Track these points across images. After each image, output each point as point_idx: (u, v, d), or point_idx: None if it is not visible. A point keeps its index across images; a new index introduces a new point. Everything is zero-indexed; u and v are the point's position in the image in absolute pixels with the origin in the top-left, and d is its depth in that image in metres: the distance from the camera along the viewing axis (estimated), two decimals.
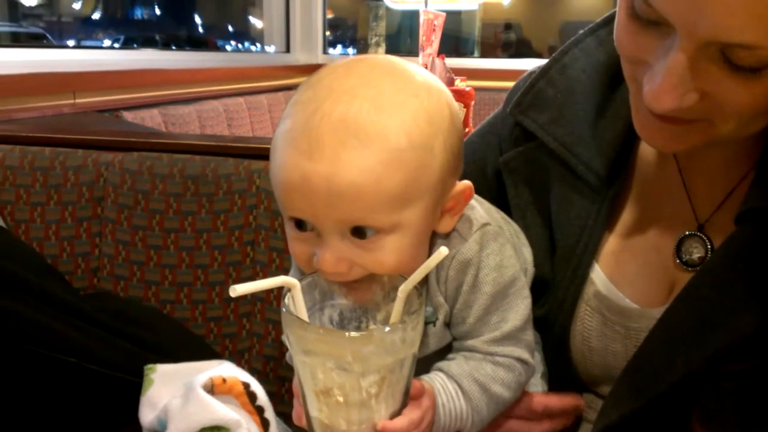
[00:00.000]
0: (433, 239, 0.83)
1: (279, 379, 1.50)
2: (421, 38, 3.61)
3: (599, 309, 0.98)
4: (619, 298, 0.97)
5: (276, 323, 1.49)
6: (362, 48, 8.53)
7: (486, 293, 0.83)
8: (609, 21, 0.98)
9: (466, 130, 2.14)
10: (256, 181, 1.49)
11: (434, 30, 3.64)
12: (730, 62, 0.70)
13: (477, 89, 2.57)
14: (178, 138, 1.65)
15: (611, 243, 1.00)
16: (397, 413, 0.72)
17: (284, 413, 1.02)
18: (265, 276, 1.49)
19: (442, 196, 0.78)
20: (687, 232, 0.95)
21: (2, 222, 1.51)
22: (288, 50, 4.16)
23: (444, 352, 0.88)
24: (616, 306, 0.97)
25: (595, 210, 0.98)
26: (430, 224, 0.79)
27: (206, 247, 1.50)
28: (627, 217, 1.00)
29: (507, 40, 8.27)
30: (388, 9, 8.33)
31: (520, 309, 0.86)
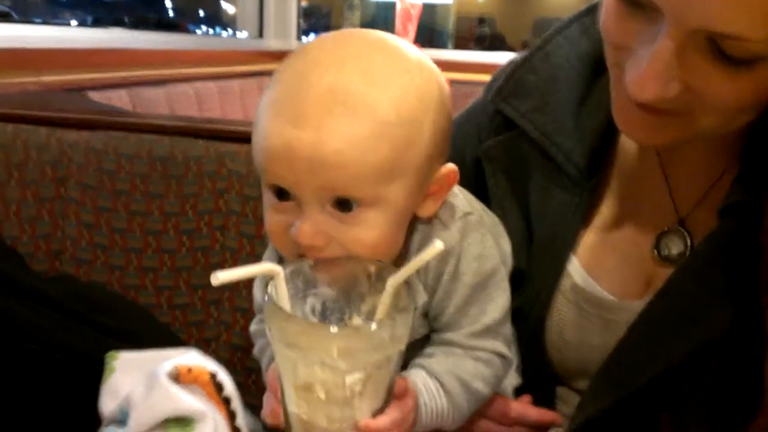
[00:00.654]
0: (413, 225, 0.81)
1: (246, 370, 1.46)
2: (398, 27, 3.59)
3: (576, 301, 0.97)
4: (596, 290, 0.96)
5: (245, 311, 1.45)
6: None
7: (466, 284, 0.82)
8: (593, 9, 0.96)
9: None
10: (228, 164, 1.44)
11: (410, 19, 3.63)
12: (718, 53, 0.68)
13: (451, 81, 2.55)
14: (146, 118, 1.60)
15: (589, 236, 0.99)
16: (379, 411, 0.70)
17: (252, 404, 0.99)
18: (234, 263, 1.45)
19: (427, 177, 0.77)
20: (666, 228, 0.93)
21: None
22: (261, 36, 4.10)
23: (419, 343, 0.86)
24: (594, 298, 0.95)
25: (574, 202, 0.96)
26: (413, 205, 0.78)
27: (174, 231, 1.45)
28: (606, 209, 0.99)
29: (481, 34, 8.29)
30: None
31: (500, 301, 0.85)
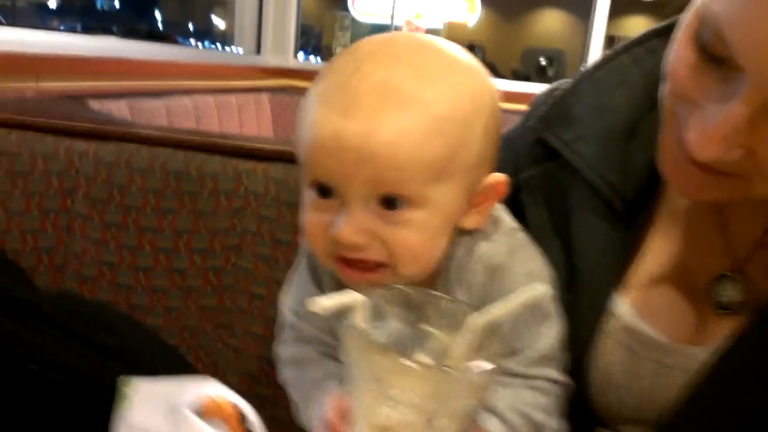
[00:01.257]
0: (454, 238, 0.77)
1: (257, 398, 1.36)
2: None
3: (626, 343, 0.91)
4: (648, 331, 0.90)
5: (256, 337, 1.38)
6: (327, 56, 8.46)
7: (520, 304, 0.76)
8: (643, 40, 0.92)
9: None
10: (245, 182, 1.38)
11: None
12: None
13: None
14: (160, 130, 1.53)
15: (635, 274, 0.94)
16: None
17: None
18: (248, 285, 1.39)
19: (475, 183, 0.74)
20: (722, 272, 0.88)
21: None
22: (258, 52, 4.06)
23: None
24: (648, 339, 0.90)
25: (618, 237, 0.92)
26: (459, 212, 0.74)
27: (185, 249, 1.39)
28: (654, 247, 0.94)
29: None
30: (354, 20, 8.29)
31: (554, 325, 0.81)
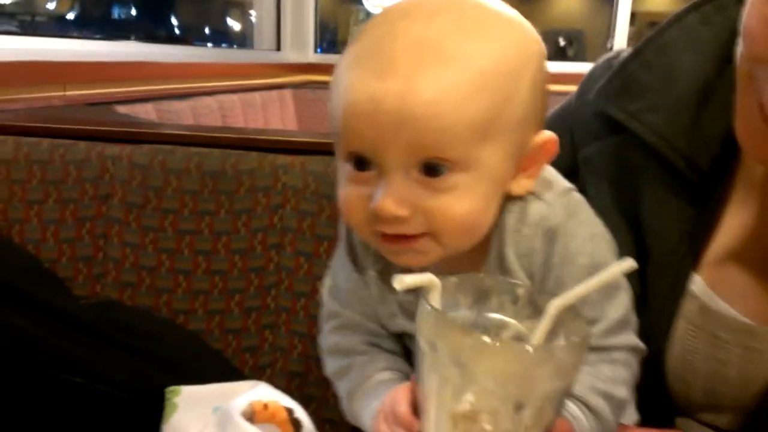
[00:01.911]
0: (504, 204, 0.72)
1: (305, 398, 1.34)
2: None
3: (708, 327, 0.85)
4: (733, 314, 0.84)
5: (302, 336, 1.34)
6: (342, 50, 8.42)
7: (582, 266, 0.71)
8: None
9: None
10: (282, 177, 1.34)
11: None
12: None
13: None
14: (195, 129, 1.49)
15: (714, 252, 0.87)
16: None
17: None
18: (291, 284, 1.35)
19: (523, 143, 0.69)
20: None
21: None
22: (279, 48, 4.04)
23: None
24: (734, 323, 0.84)
25: (697, 214, 0.85)
26: (508, 174, 0.69)
27: (225, 251, 1.35)
28: (733, 221, 0.87)
29: None
30: (369, 13, 8.24)
31: (624, 290, 0.75)
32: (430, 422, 0.61)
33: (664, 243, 0.87)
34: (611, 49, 0.94)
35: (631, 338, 0.75)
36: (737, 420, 0.85)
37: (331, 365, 0.88)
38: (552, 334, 0.59)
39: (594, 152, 0.93)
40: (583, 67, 1.11)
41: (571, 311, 0.59)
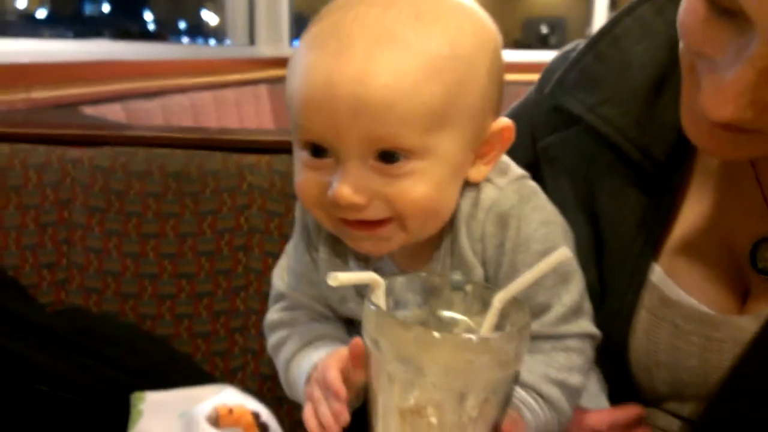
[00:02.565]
0: (461, 193, 0.72)
1: (277, 401, 1.33)
2: None
3: (669, 318, 0.85)
4: (694, 304, 0.84)
5: None
6: None
7: (536, 251, 0.71)
8: None
9: None
10: (248, 177, 1.32)
11: None
12: None
13: None
14: (157, 130, 1.47)
15: (672, 241, 0.87)
16: None
17: None
18: (260, 285, 1.33)
19: (480, 130, 0.69)
20: (762, 235, 0.82)
21: None
22: (252, 43, 3.99)
23: None
24: (693, 313, 0.84)
25: (653, 204, 0.85)
26: (465, 161, 0.69)
27: (191, 253, 1.33)
28: (689, 212, 0.87)
29: None
30: None
31: (578, 277, 0.74)
32: (378, 419, 0.62)
33: (622, 234, 0.87)
34: (585, 40, 0.93)
35: (585, 325, 0.74)
36: (700, 409, 0.85)
37: (272, 339, 0.86)
38: (499, 327, 0.60)
39: (552, 143, 0.93)
40: None
41: (515, 303, 0.60)
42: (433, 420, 0.58)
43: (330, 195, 0.65)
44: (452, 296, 0.65)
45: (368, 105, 0.61)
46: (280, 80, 4.00)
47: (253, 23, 4.00)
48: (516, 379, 0.62)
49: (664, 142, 0.84)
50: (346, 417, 0.65)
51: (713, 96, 0.63)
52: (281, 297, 0.87)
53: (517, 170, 0.75)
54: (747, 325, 0.79)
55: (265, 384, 1.35)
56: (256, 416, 0.95)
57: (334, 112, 0.62)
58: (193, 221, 1.32)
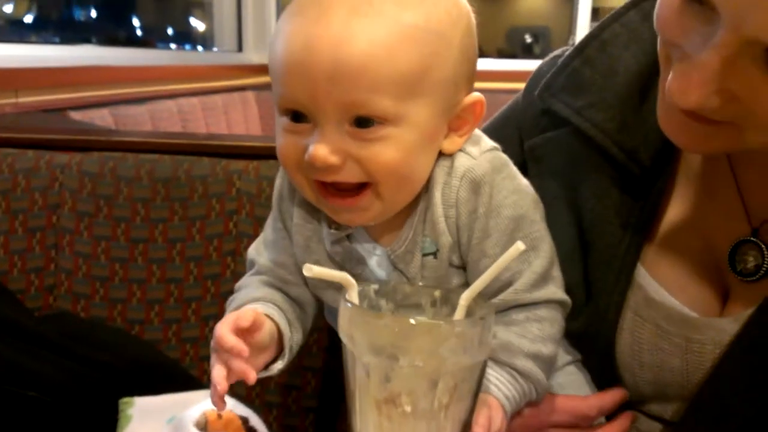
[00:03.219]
0: (436, 163, 0.76)
1: (266, 406, 1.34)
2: None
3: (652, 318, 0.87)
4: (677, 305, 0.86)
5: None
6: None
7: (506, 217, 0.75)
8: None
9: None
10: (236, 183, 1.33)
11: None
12: None
13: None
14: (146, 135, 1.47)
15: (656, 243, 0.89)
16: (465, 429, 0.66)
17: None
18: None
19: (452, 103, 0.73)
20: (740, 237, 0.84)
21: None
22: (240, 50, 4.00)
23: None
24: (676, 314, 0.85)
25: (638, 206, 0.87)
26: (437, 132, 0.73)
27: (180, 258, 1.33)
28: (673, 214, 0.89)
29: None
30: None
31: (546, 240, 0.78)
32: (356, 414, 0.65)
33: (607, 235, 0.88)
34: (573, 45, 0.95)
35: (555, 291, 0.78)
36: (682, 410, 0.87)
37: (233, 297, 0.88)
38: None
39: (539, 143, 0.95)
40: None
41: (480, 299, 0.65)
42: (408, 408, 0.61)
43: (307, 156, 0.68)
44: (422, 302, 0.68)
45: (344, 70, 0.64)
46: (268, 86, 3.99)
47: (240, 30, 4.00)
48: (483, 373, 0.65)
49: (650, 146, 0.86)
50: (250, 374, 0.70)
51: (680, 82, 0.65)
52: (250, 265, 0.90)
53: (489, 142, 0.78)
54: (727, 327, 0.80)
55: (254, 389, 1.35)
56: (244, 421, 0.95)
57: (311, 78, 0.65)
58: (182, 226, 1.32)
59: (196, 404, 0.97)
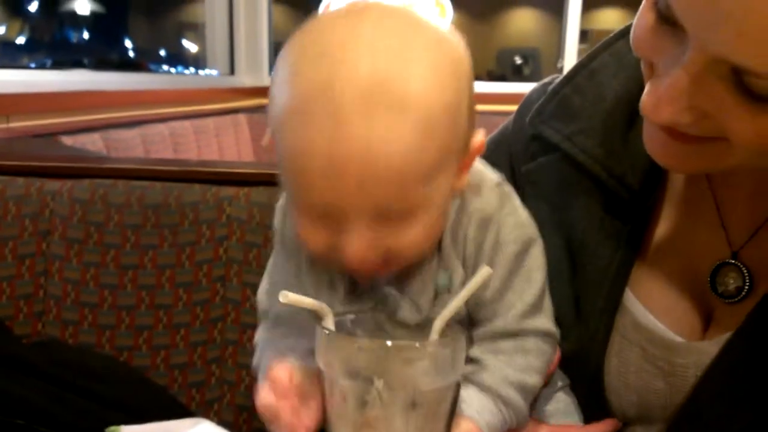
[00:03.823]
0: None
1: None
2: None
3: (638, 341, 0.88)
4: (660, 329, 0.87)
5: (250, 368, 1.33)
6: None
7: (510, 253, 0.75)
8: None
9: None
10: (226, 209, 1.33)
11: None
12: (741, 86, 0.61)
13: None
14: (137, 162, 1.48)
15: (642, 266, 0.90)
16: None
17: None
18: (237, 316, 1.34)
19: (464, 155, 0.71)
20: (720, 260, 0.85)
21: None
22: (232, 73, 4.01)
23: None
24: (659, 339, 0.86)
25: (627, 229, 0.88)
26: (455, 186, 0.71)
27: (169, 285, 1.33)
28: (658, 237, 0.91)
29: None
30: None
31: (541, 272, 0.79)
32: None
33: (597, 258, 0.89)
34: (562, 68, 0.97)
35: (543, 322, 0.78)
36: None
37: (254, 359, 0.87)
38: None
39: (533, 169, 0.96)
40: None
41: (453, 325, 0.67)
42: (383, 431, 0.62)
43: (341, 257, 0.65)
44: (396, 332, 0.70)
45: (374, 178, 0.60)
46: (260, 109, 4.03)
47: (233, 53, 4.02)
48: (457, 395, 0.66)
49: (637, 170, 0.87)
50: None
51: (652, 97, 0.67)
52: (264, 314, 0.87)
53: (493, 175, 0.78)
54: (709, 350, 0.81)
55: (241, 415, 1.35)
56: None
57: (337, 186, 0.61)
58: (172, 253, 1.33)
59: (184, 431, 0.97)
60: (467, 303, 0.77)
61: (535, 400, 0.83)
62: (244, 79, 4.01)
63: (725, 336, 0.81)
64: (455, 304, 0.65)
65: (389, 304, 0.76)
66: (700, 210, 0.87)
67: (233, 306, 1.33)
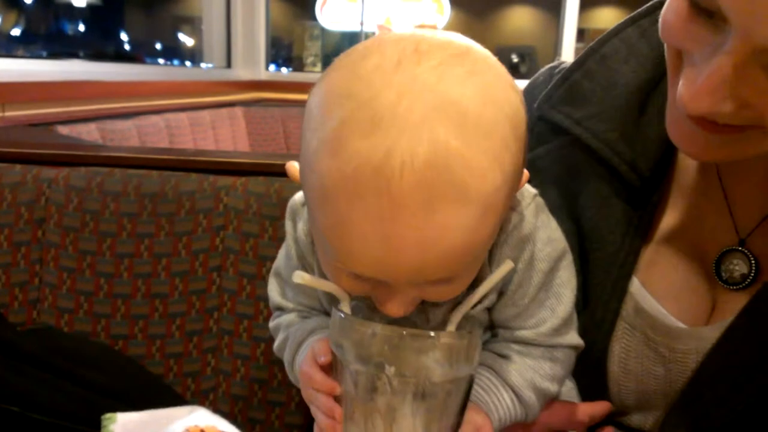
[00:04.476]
0: None
1: (249, 422, 1.34)
2: None
3: (641, 327, 0.88)
4: (663, 315, 0.87)
5: (245, 359, 1.33)
6: (298, 67, 8.41)
7: (541, 270, 0.74)
8: (651, 11, 0.89)
9: None
10: (223, 198, 1.33)
11: None
12: None
13: None
14: (133, 151, 1.47)
15: (648, 252, 0.91)
16: None
17: None
18: (233, 306, 1.33)
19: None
20: (727, 248, 0.86)
21: None
22: (229, 66, 4.00)
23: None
24: (661, 325, 0.87)
25: (637, 215, 0.89)
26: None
27: (165, 273, 1.33)
28: (665, 224, 0.91)
29: None
30: (323, 29, 8.25)
31: (572, 286, 0.78)
32: (346, 420, 0.66)
33: (607, 244, 0.90)
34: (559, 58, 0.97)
35: (574, 337, 0.79)
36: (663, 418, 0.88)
37: (276, 343, 0.88)
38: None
39: (540, 154, 0.96)
40: None
41: (469, 319, 0.68)
42: (392, 415, 0.63)
43: (381, 310, 0.63)
44: (415, 319, 0.68)
45: (431, 262, 0.56)
46: (256, 102, 4.02)
47: (230, 46, 4.01)
48: (469, 389, 0.66)
49: (649, 157, 0.87)
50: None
51: (691, 88, 0.66)
52: (277, 307, 0.88)
53: (529, 189, 0.75)
54: (710, 336, 0.82)
55: (237, 405, 1.34)
56: None
57: (388, 271, 0.58)
58: (168, 242, 1.32)
59: (179, 420, 0.97)
60: (496, 319, 0.78)
61: None
62: (240, 72, 4.00)
63: (727, 321, 0.81)
64: (475, 297, 0.65)
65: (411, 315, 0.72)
66: (708, 197, 0.88)
67: (229, 296, 1.33)
